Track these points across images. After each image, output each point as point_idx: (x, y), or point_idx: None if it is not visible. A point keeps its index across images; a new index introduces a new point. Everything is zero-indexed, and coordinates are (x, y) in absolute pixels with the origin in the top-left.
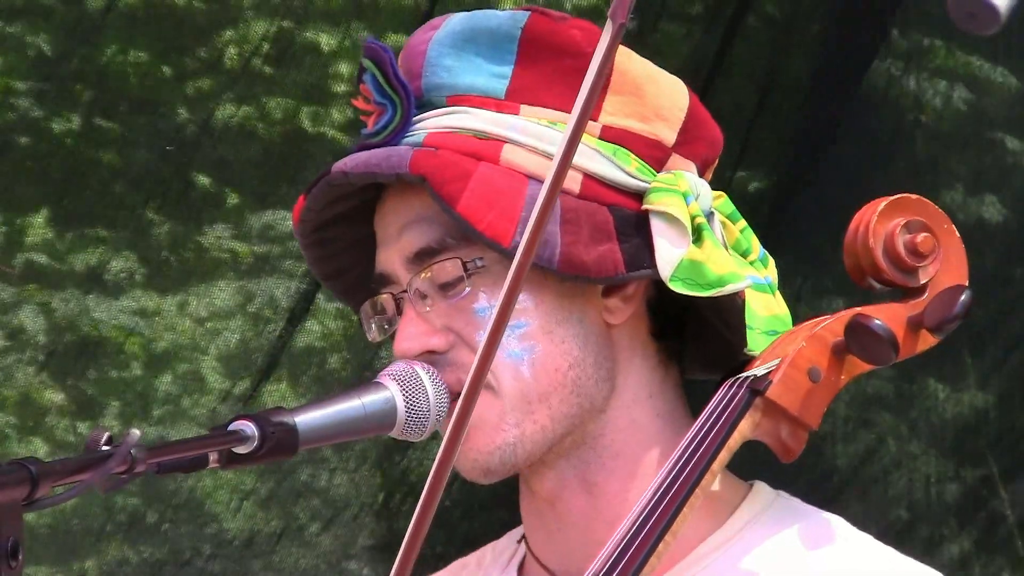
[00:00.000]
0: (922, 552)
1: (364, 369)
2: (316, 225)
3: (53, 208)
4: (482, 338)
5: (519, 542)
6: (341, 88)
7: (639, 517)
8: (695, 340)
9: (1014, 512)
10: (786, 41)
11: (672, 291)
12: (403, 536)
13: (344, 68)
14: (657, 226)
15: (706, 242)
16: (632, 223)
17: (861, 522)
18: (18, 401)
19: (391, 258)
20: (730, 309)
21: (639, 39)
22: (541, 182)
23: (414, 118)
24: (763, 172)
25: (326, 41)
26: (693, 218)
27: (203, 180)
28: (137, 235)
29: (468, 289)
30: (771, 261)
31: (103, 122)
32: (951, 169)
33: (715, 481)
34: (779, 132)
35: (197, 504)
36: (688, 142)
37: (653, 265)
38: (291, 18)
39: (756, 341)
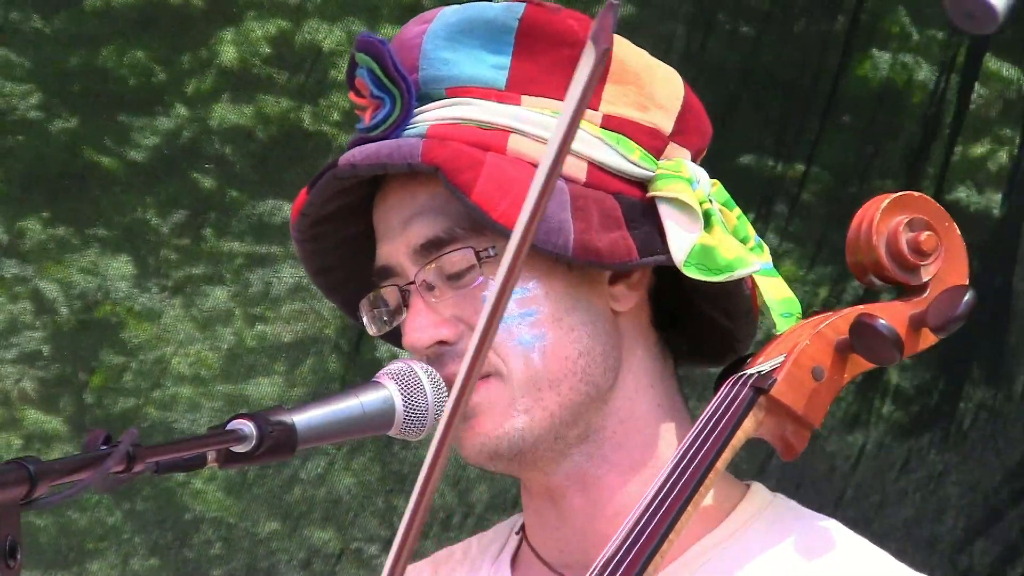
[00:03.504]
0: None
1: (363, 367)
2: (315, 220)
3: (52, 209)
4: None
5: (516, 533)
6: (339, 77)
7: (643, 516)
8: (690, 330)
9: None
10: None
11: (672, 279)
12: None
13: (343, 67)
14: (667, 212)
15: (715, 227)
16: (639, 211)
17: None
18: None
19: (395, 250)
20: (734, 296)
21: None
22: None
23: (414, 111)
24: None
25: (324, 40)
26: (701, 203)
27: (203, 180)
28: (137, 235)
29: (481, 278)
30: (766, 248)
31: (102, 122)
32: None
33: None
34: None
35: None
36: (683, 132)
37: (666, 251)
38: (289, 17)
39: (779, 324)
